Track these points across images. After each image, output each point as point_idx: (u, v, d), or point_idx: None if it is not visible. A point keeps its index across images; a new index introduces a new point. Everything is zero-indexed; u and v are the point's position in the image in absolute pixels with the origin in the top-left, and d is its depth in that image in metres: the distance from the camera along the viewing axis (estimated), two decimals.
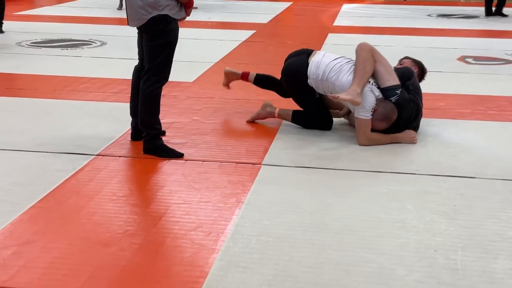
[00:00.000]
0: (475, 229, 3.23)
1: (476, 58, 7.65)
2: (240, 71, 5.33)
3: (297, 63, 4.89)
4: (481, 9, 12.36)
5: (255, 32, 9.60)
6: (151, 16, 3.98)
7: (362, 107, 4.48)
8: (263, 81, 5.31)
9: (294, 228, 3.23)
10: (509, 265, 2.89)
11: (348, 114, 4.96)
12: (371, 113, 4.51)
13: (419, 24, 10.71)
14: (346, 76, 4.62)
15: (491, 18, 11.37)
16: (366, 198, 3.61)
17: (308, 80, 4.76)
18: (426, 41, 8.86)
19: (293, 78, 4.89)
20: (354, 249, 3.02)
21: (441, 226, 3.26)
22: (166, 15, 4.00)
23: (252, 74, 5.28)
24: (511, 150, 4.40)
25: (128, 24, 4.18)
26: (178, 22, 4.14)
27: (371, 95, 4.51)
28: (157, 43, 4.05)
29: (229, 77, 5.34)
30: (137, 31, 4.21)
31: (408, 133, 4.56)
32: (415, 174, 3.99)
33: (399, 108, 4.52)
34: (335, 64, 4.73)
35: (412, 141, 4.53)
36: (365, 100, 4.47)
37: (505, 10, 11.85)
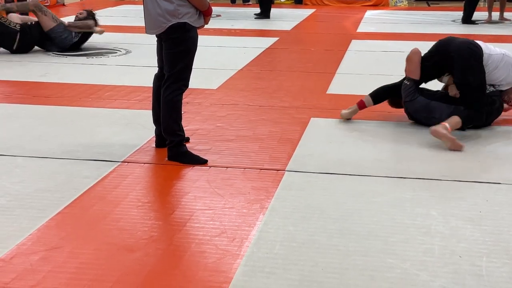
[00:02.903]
0: (501, 235, 3.20)
1: None
2: (355, 106, 5.13)
3: (469, 41, 4.84)
4: (507, 14, 12.26)
5: (278, 39, 9.62)
6: (171, 24, 4.01)
7: None
8: (380, 95, 5.14)
9: (319, 234, 3.23)
10: None
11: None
12: None
13: (444, 30, 10.63)
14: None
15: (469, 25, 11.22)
16: (391, 203, 3.60)
17: (484, 55, 4.73)
18: None
19: (473, 53, 4.74)
20: (379, 255, 3.01)
21: (466, 232, 3.24)
22: (185, 23, 4.02)
23: (367, 98, 5.13)
24: None
25: (146, 32, 4.21)
26: (198, 30, 4.16)
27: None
28: (176, 51, 4.09)
29: (349, 116, 5.17)
30: (156, 39, 4.24)
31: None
32: (440, 180, 3.96)
33: None
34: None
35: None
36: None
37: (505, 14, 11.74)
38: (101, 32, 8.61)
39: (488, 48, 4.81)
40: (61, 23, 8.28)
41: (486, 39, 9.55)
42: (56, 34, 8.18)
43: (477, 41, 4.87)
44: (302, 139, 4.75)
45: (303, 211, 3.50)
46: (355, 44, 9.14)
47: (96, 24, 8.48)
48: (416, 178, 3.99)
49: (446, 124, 4.52)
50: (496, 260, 2.96)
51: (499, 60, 4.77)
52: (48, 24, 8.18)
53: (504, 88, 4.92)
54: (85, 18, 8.39)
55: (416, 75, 4.94)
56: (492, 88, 4.87)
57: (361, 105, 5.12)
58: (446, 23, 11.59)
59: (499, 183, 3.89)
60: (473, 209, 3.51)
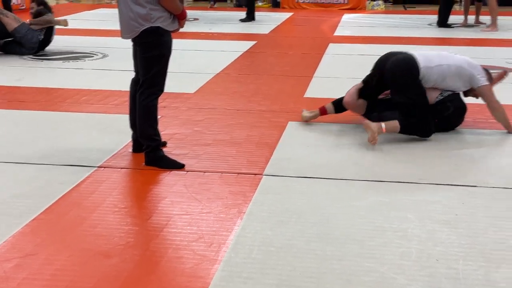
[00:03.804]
0: (477, 238, 3.23)
1: None
2: (317, 111, 5.18)
3: (403, 58, 4.86)
4: (482, 18, 12.38)
5: (256, 43, 9.63)
6: (144, 28, 3.98)
7: (484, 77, 4.85)
8: (341, 106, 5.15)
9: (297, 238, 3.23)
10: (511, 274, 2.88)
11: None
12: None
13: (420, 34, 10.74)
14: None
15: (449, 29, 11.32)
16: (368, 207, 3.61)
17: (420, 69, 4.76)
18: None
19: (405, 71, 4.78)
20: (356, 259, 3.02)
21: (443, 235, 3.26)
22: (159, 27, 4.00)
23: (329, 106, 5.16)
24: None
25: (121, 37, 4.19)
26: (172, 34, 4.13)
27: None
28: (150, 55, 4.06)
29: (308, 119, 5.20)
30: (132, 43, 4.22)
31: None
32: (417, 183, 3.98)
33: None
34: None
35: None
36: (481, 69, 4.87)
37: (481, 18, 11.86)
38: (65, 24, 8.59)
39: (429, 61, 4.79)
40: (24, 22, 8.24)
41: (462, 42, 9.67)
42: (21, 35, 8.13)
43: (418, 55, 4.82)
44: (280, 143, 4.75)
45: (281, 216, 3.50)
46: (332, 48, 9.18)
47: (50, 11, 8.44)
48: (393, 182, 4.01)
49: (382, 124, 4.62)
50: (472, 263, 2.98)
51: (445, 71, 4.79)
52: (11, 25, 8.13)
53: (462, 90, 4.98)
54: (38, 13, 8.33)
55: (361, 111, 5.06)
56: (449, 92, 4.90)
57: (323, 111, 5.16)
58: (422, 27, 11.68)
59: (475, 186, 3.92)
60: (450, 212, 3.54)
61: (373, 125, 4.60)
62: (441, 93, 4.89)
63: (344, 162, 4.35)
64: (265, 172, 4.16)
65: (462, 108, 5.00)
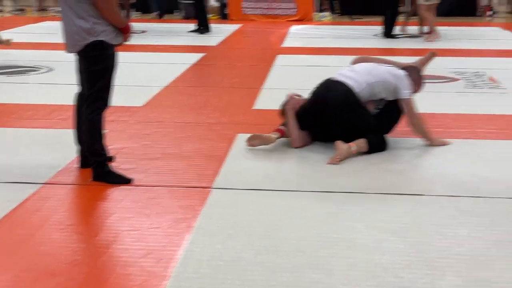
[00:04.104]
0: (423, 246, 3.28)
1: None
2: (276, 134, 4.95)
3: (340, 94, 4.82)
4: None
5: (205, 55, 9.62)
6: (87, 42, 3.94)
7: (407, 89, 4.85)
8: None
9: (246, 251, 3.23)
10: (456, 281, 2.93)
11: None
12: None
13: (366, 44, 10.90)
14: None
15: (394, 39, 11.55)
16: (317, 218, 3.63)
17: (359, 94, 4.80)
18: None
19: (345, 101, 4.80)
20: (305, 270, 3.03)
21: (390, 244, 3.30)
22: (102, 41, 3.96)
23: (285, 128, 5.01)
24: (456, 167, 4.49)
25: (65, 50, 4.13)
26: (117, 47, 4.10)
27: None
28: (94, 70, 4.02)
29: (267, 142, 4.90)
30: (75, 57, 4.17)
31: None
32: (365, 193, 4.03)
33: None
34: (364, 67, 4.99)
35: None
36: (405, 81, 4.88)
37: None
38: (8, 43, 8.44)
39: (360, 83, 4.83)
40: None
41: (406, 52, 9.84)
42: None
43: (349, 81, 4.85)
44: (229, 156, 4.74)
45: (230, 229, 3.49)
46: (280, 59, 9.23)
47: None
48: (342, 192, 4.04)
49: (353, 146, 4.64)
50: (418, 271, 3.02)
51: (373, 87, 4.86)
52: None
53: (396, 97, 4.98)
54: None
55: (310, 141, 4.99)
56: (383, 103, 4.98)
57: (282, 133, 5.00)
58: (369, 37, 11.87)
59: (422, 195, 3.99)
60: (397, 221, 3.59)
61: (343, 146, 4.60)
62: (377, 106, 4.97)
63: (293, 174, 4.38)
64: (214, 185, 4.15)
65: (396, 114, 5.05)
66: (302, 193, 4.03)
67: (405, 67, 5.10)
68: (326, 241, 3.33)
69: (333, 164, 4.52)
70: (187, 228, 3.49)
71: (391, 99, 4.95)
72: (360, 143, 4.70)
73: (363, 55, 5.71)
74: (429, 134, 4.96)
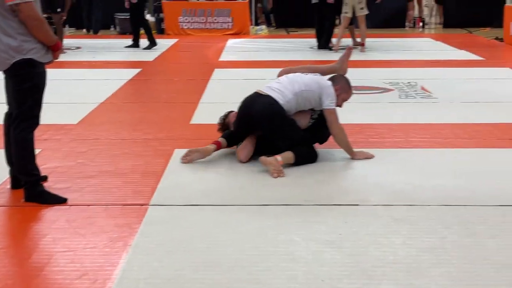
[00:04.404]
0: (360, 256, 3.31)
1: (356, 88, 7.89)
2: (213, 145, 4.95)
3: (264, 105, 4.84)
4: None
5: (141, 70, 9.55)
6: (15, 60, 3.86)
7: (331, 100, 4.85)
8: (232, 138, 5.08)
9: (184, 268, 3.20)
10: None
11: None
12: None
13: (302, 57, 11.02)
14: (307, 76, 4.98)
15: (328, 50, 11.71)
16: (255, 232, 3.63)
17: (286, 105, 4.83)
18: None
19: (270, 114, 4.82)
20: (243, 285, 3.03)
21: (328, 256, 3.32)
22: (31, 59, 3.89)
23: (222, 140, 5.03)
24: (390, 176, 4.57)
25: None
26: (46, 65, 4.02)
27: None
28: (23, 88, 3.93)
29: (204, 154, 4.91)
30: (3, 75, 4.06)
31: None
32: (301, 205, 4.06)
33: None
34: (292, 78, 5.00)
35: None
36: (329, 90, 4.88)
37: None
38: None
39: (285, 95, 4.87)
40: None
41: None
42: None
43: (274, 92, 4.90)
44: (166, 171, 4.70)
45: (168, 246, 3.46)
46: (218, 73, 9.25)
47: None
48: (279, 205, 4.06)
49: (278, 157, 4.66)
50: (356, 280, 3.06)
51: (298, 97, 4.90)
52: None
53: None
54: None
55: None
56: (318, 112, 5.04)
57: (218, 145, 5.02)
58: (304, 49, 12.02)
59: (357, 205, 4.04)
60: (334, 232, 3.62)
61: (270, 159, 4.62)
62: (312, 116, 5.03)
63: (230, 187, 4.37)
64: (152, 202, 4.10)
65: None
66: (240, 207, 4.02)
67: (332, 76, 5.15)
68: (264, 255, 3.34)
69: (280, 176, 4.55)
70: (124, 247, 3.43)
71: (319, 108, 5.01)
72: (286, 155, 4.72)
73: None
74: (351, 147, 4.97)
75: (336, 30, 12.05)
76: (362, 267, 3.19)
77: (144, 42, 11.97)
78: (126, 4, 11.65)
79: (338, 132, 4.94)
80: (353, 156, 4.95)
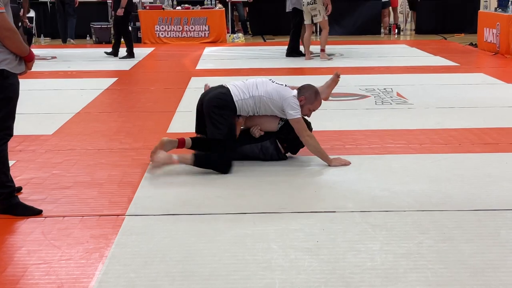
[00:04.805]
0: (337, 263, 3.32)
1: (333, 95, 7.92)
2: (176, 139, 4.98)
3: (217, 94, 4.96)
4: (338, 47, 12.96)
5: (117, 79, 9.50)
6: None
7: (294, 109, 4.81)
8: (197, 145, 5.07)
9: (161, 279, 3.18)
10: None
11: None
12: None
13: (278, 64, 11.05)
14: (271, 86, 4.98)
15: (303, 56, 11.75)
16: (232, 241, 3.62)
17: (236, 103, 4.89)
18: (285, 80, 9.06)
19: (217, 101, 4.91)
20: None
21: (305, 263, 3.32)
22: (3, 70, 3.85)
23: (188, 140, 5.01)
24: (367, 182, 4.59)
25: None
26: (19, 76, 3.98)
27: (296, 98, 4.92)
28: None
29: (165, 147, 4.94)
30: None
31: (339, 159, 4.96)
32: (279, 212, 4.05)
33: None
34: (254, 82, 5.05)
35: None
36: (290, 101, 4.85)
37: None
38: None
39: (244, 93, 4.93)
40: None
41: (317, 71, 10.03)
42: None
43: (233, 87, 4.97)
44: (143, 181, 4.68)
45: (145, 256, 3.43)
46: (194, 81, 9.22)
47: None
48: (256, 213, 4.05)
49: (174, 156, 4.81)
50: (334, 287, 3.06)
51: (257, 101, 4.94)
52: None
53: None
54: None
55: None
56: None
57: (181, 143, 5.02)
58: (281, 57, 12.03)
59: (334, 212, 4.05)
60: (311, 239, 3.62)
61: (163, 155, 4.79)
62: (281, 119, 5.05)
63: (207, 196, 4.35)
64: (128, 212, 4.08)
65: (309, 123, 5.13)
66: (217, 216, 4.01)
67: (300, 86, 5.14)
68: (241, 264, 3.33)
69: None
70: (100, 258, 3.40)
71: (283, 117, 5.03)
72: (184, 156, 4.83)
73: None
74: (325, 154, 4.98)
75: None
76: (339, 274, 3.19)
77: (122, 51, 11.92)
78: (119, 12, 11.57)
79: (308, 139, 4.94)
80: (329, 162, 4.96)
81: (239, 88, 4.98)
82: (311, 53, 11.63)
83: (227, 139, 4.86)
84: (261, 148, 5.07)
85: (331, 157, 4.99)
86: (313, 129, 5.17)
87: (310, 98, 5.03)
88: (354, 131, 6.09)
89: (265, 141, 5.08)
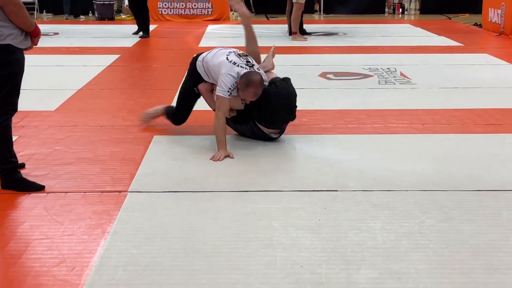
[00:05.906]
0: (338, 242, 3.33)
1: (336, 74, 7.95)
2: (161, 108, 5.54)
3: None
4: (342, 26, 12.90)
5: (119, 57, 9.47)
6: None
7: (221, 87, 4.77)
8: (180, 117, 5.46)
9: (163, 255, 3.19)
10: (371, 274, 3.00)
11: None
12: (229, 94, 4.77)
13: (282, 43, 10.99)
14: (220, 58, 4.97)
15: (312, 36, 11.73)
16: (234, 218, 3.63)
17: (197, 63, 5.12)
18: (289, 59, 9.07)
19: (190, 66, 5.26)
20: (223, 271, 3.02)
21: (307, 241, 3.33)
22: (9, 45, 3.83)
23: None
24: (369, 162, 4.58)
25: None
26: (25, 51, 3.97)
27: (232, 78, 4.77)
28: (1, 74, 3.87)
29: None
30: None
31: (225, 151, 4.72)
32: (281, 191, 4.06)
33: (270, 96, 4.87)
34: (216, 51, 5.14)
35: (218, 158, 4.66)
36: (223, 78, 4.77)
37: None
38: None
39: (203, 57, 5.12)
40: None
41: (321, 50, 10.00)
42: None
43: (206, 53, 5.16)
44: (145, 158, 4.68)
45: (147, 233, 3.44)
46: None
47: None
48: (259, 191, 4.06)
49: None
50: (334, 266, 3.07)
51: (207, 68, 5.07)
52: None
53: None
54: None
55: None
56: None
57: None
58: (284, 36, 11.98)
59: (336, 190, 4.05)
60: (313, 218, 3.63)
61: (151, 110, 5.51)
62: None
63: (210, 175, 4.35)
64: (130, 189, 4.08)
65: (284, 97, 4.99)
66: (220, 193, 4.01)
67: (245, 72, 4.83)
68: (243, 241, 3.34)
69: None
70: (102, 234, 3.41)
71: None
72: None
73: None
74: (221, 139, 4.74)
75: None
76: (341, 253, 3.20)
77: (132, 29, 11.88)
78: None
79: (215, 118, 4.77)
80: (218, 148, 4.75)
81: (207, 52, 5.16)
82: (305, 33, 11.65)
83: (179, 94, 5.37)
84: (252, 131, 5.06)
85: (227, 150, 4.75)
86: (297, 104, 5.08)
87: (241, 85, 4.75)
88: (357, 111, 6.07)
89: (244, 124, 5.08)
